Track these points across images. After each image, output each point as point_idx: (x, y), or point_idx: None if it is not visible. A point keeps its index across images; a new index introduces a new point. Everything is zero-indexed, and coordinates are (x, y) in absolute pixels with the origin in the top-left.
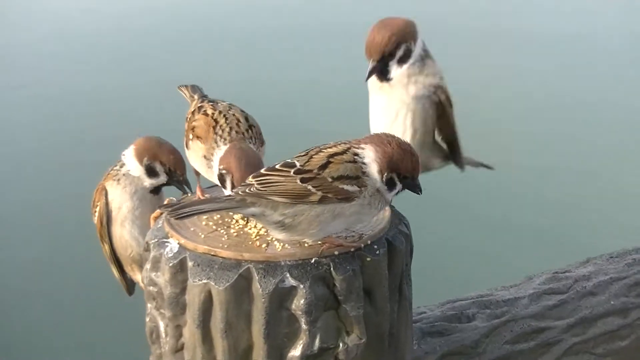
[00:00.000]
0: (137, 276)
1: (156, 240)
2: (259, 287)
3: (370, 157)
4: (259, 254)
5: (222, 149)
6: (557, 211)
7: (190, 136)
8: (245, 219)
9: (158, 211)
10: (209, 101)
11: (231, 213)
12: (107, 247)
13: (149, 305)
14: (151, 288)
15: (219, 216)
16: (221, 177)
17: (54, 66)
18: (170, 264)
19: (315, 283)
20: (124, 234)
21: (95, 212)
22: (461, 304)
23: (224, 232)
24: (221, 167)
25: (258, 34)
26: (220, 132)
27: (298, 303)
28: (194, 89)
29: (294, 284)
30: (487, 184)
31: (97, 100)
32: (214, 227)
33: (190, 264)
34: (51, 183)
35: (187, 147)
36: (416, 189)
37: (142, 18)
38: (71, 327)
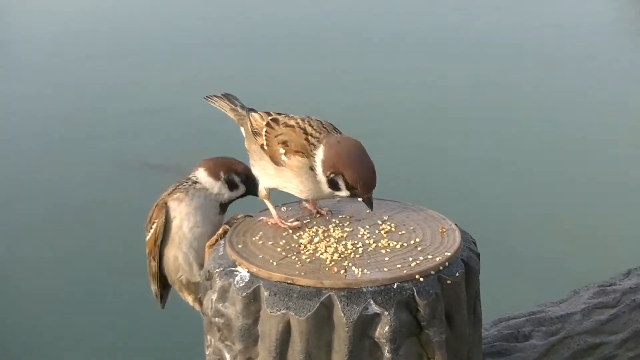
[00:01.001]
0: (187, 298)
1: (222, 269)
2: (342, 315)
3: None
4: (339, 281)
5: (320, 153)
6: (583, 224)
7: (283, 150)
8: (314, 244)
9: (214, 238)
10: (277, 113)
11: (296, 237)
12: (154, 264)
13: (209, 337)
14: (217, 319)
15: (284, 241)
16: (332, 182)
17: (54, 67)
18: (243, 294)
19: (399, 309)
20: (178, 255)
21: (150, 229)
22: (515, 322)
23: (296, 259)
24: (328, 172)
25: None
26: (312, 141)
27: (382, 331)
28: (232, 98)
29: (378, 311)
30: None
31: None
32: (283, 253)
33: (265, 293)
34: (53, 185)
35: (278, 164)
36: None
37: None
38: (73, 329)
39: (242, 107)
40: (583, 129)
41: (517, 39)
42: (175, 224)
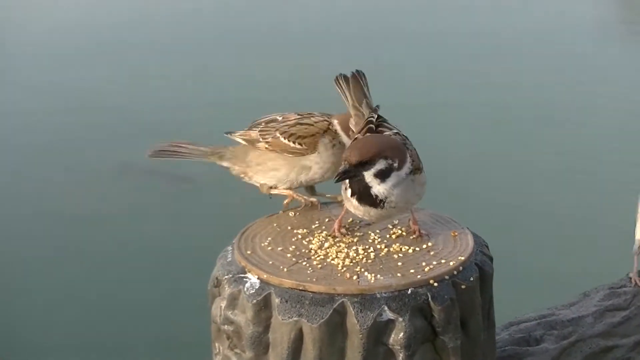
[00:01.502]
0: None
1: (231, 276)
2: (356, 322)
3: None
4: (352, 287)
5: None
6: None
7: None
8: (325, 249)
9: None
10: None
11: (306, 242)
12: (265, 143)
13: (217, 344)
14: (226, 327)
15: (294, 247)
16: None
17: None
18: (254, 301)
19: (414, 315)
20: (280, 172)
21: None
22: (526, 326)
23: (307, 264)
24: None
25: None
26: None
27: (397, 337)
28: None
29: (392, 317)
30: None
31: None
32: (294, 259)
33: (277, 300)
34: (54, 183)
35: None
36: None
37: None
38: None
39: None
40: (589, 131)
41: (507, 39)
42: (313, 159)
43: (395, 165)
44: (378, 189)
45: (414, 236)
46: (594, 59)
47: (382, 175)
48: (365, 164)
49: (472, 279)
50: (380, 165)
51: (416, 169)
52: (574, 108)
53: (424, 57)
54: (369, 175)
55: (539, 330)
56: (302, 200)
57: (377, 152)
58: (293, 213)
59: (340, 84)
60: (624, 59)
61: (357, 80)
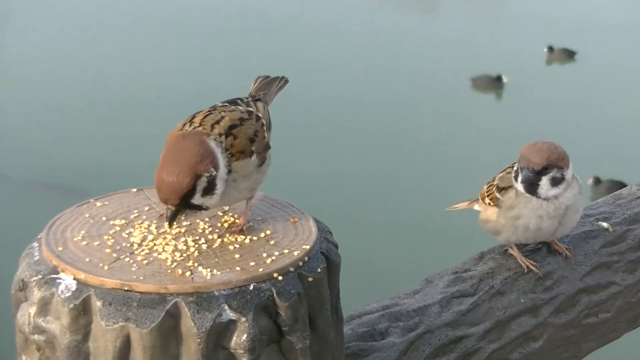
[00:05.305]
0: None
1: (40, 277)
2: (193, 324)
3: None
4: (186, 284)
5: None
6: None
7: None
8: (149, 242)
9: None
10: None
11: (126, 235)
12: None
13: (25, 357)
14: (37, 337)
15: (113, 241)
16: None
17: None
18: (71, 306)
19: (258, 314)
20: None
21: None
22: (369, 319)
23: (131, 261)
24: None
25: None
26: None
27: (239, 340)
28: None
29: (234, 317)
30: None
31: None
32: (114, 254)
33: (98, 303)
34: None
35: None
36: None
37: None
38: None
39: None
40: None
41: None
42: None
43: (214, 173)
44: (206, 204)
45: (234, 228)
46: None
47: (206, 191)
48: (185, 197)
49: (319, 270)
50: (202, 184)
51: (240, 153)
52: None
53: None
54: (197, 199)
55: (383, 322)
56: None
57: (189, 183)
58: (100, 203)
59: (256, 81)
60: None
61: (273, 80)
